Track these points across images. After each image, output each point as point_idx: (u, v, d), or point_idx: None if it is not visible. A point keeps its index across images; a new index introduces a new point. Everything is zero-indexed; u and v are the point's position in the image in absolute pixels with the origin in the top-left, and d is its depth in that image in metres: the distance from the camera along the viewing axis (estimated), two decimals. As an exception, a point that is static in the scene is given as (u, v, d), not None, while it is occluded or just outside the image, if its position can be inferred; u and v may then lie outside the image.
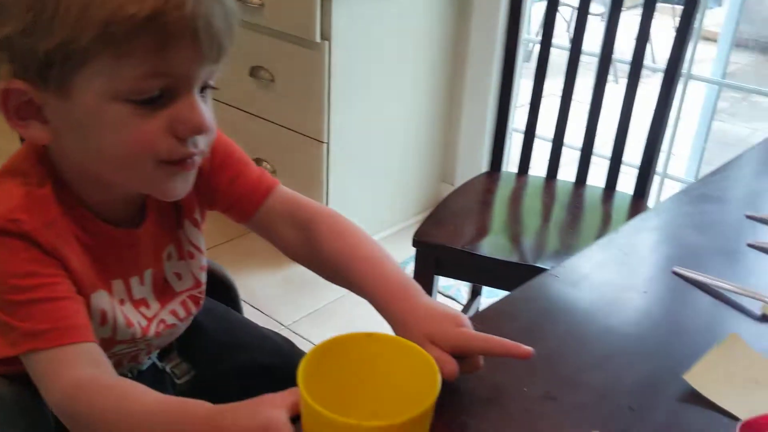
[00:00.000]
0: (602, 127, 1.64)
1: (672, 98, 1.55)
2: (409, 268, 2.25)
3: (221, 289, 0.97)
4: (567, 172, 1.72)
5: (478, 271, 1.46)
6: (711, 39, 2.92)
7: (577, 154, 1.68)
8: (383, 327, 0.54)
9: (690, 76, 2.02)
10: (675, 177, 2.20)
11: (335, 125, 2.11)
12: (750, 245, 0.88)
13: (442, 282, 2.18)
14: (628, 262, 0.83)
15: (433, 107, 2.42)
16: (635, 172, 1.64)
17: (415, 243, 1.44)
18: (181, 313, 0.78)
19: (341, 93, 2.08)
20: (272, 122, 2.21)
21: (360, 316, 2.02)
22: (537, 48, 1.69)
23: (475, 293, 1.84)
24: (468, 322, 0.66)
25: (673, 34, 1.52)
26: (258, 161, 2.28)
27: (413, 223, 2.54)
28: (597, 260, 0.83)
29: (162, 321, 0.76)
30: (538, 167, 1.75)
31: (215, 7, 0.60)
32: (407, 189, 2.49)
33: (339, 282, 0.79)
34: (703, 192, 1.02)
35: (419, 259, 1.46)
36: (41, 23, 0.57)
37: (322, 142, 2.11)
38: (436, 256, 1.44)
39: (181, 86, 0.62)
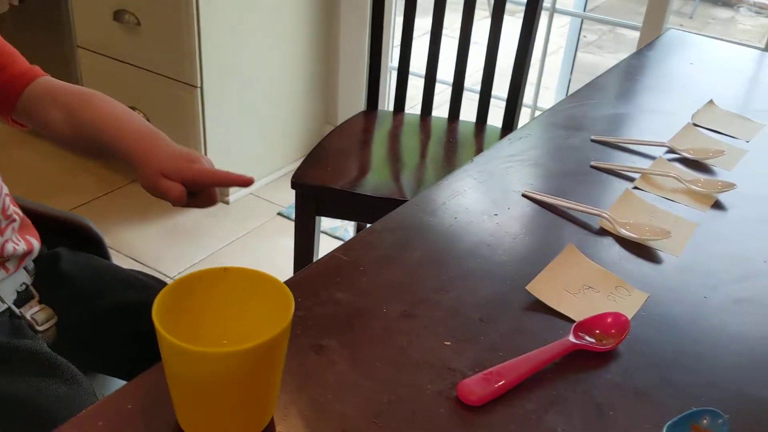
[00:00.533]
0: (475, 62, 1.69)
1: (534, 31, 1.62)
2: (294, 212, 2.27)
3: (90, 243, 0.95)
4: (443, 110, 1.77)
5: (360, 210, 1.49)
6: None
7: (451, 92, 1.73)
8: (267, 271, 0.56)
9: (555, 10, 2.10)
10: (545, 108, 2.30)
11: (208, 69, 2.05)
12: (593, 166, 0.95)
13: (329, 223, 2.21)
14: (482, 189, 0.88)
15: (310, 48, 2.40)
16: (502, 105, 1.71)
17: (293, 185, 1.45)
18: None
19: (212, 35, 2.03)
20: (142, 68, 2.13)
21: (245, 264, 2.00)
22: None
23: (360, 228, 1.89)
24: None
25: None
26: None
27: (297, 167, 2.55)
28: (454, 189, 0.88)
29: None
30: (417, 105, 1.79)
31: None
32: (289, 132, 2.48)
33: (96, 150, 0.84)
34: (554, 120, 1.08)
35: (299, 201, 1.48)
36: None
37: (195, 87, 2.06)
38: (316, 196, 1.46)
39: None
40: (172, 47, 2.03)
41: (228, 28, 2.07)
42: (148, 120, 2.15)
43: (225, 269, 0.56)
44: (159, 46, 2.06)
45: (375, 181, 1.47)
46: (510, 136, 1.02)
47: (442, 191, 0.87)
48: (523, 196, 0.87)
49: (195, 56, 2.01)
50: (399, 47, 1.71)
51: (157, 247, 2.10)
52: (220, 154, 2.21)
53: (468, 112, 1.75)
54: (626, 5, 4.89)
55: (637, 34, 2.01)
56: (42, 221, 0.88)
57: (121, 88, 2.18)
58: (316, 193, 1.45)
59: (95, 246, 0.95)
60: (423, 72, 1.72)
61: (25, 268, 0.83)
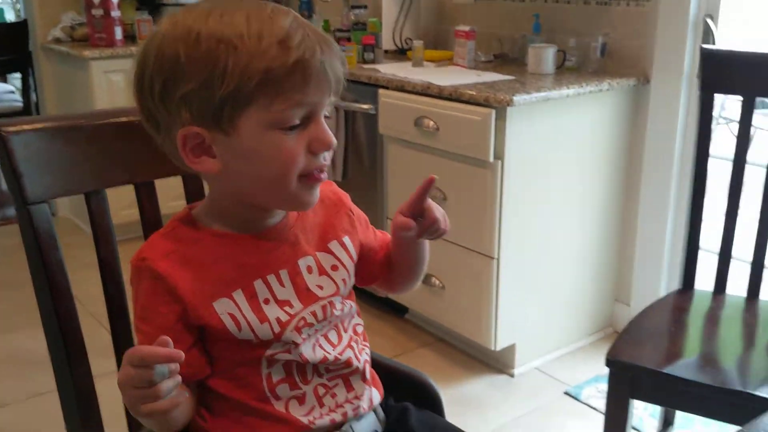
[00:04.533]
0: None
1: None
2: (586, 392, 2.13)
3: (428, 398, 0.96)
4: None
5: (677, 396, 1.35)
6: None
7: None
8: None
9: None
10: None
11: (505, 241, 2.10)
12: None
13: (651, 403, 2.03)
14: None
15: (606, 224, 2.37)
16: None
17: (609, 362, 1.37)
18: (320, 314, 0.87)
19: (512, 209, 2.09)
20: (444, 239, 2.24)
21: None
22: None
23: (667, 422, 1.70)
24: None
25: None
26: (428, 277, 2.32)
27: (586, 344, 2.43)
28: None
29: (302, 319, 0.85)
30: (731, 286, 1.64)
31: (333, 53, 0.79)
32: (579, 307, 2.40)
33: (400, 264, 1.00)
34: None
35: (613, 381, 1.38)
36: (216, 77, 0.74)
37: (492, 258, 2.11)
38: (632, 376, 1.36)
39: (314, 114, 0.79)
40: (474, 221, 2.13)
41: (527, 204, 2.13)
42: (443, 288, 2.26)
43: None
44: (462, 219, 2.17)
45: (696, 366, 1.34)
46: None
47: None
48: None
49: (495, 228, 2.08)
50: (723, 227, 1.61)
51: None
52: (510, 326, 2.20)
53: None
54: None
55: None
56: (390, 374, 0.92)
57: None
58: (632, 372, 1.35)
59: (433, 403, 0.96)
60: (738, 253, 1.58)
61: (375, 413, 0.86)
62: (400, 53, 2.83)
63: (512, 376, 2.26)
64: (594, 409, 2.09)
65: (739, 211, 1.59)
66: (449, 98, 2.13)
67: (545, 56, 2.28)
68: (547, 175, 2.15)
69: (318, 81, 0.77)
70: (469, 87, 2.11)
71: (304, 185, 0.81)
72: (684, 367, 1.32)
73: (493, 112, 2.00)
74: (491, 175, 2.06)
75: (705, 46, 1.57)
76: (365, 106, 2.42)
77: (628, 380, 1.36)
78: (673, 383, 1.30)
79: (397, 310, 2.59)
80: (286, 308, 0.84)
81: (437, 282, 2.29)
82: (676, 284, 2.19)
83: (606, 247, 2.39)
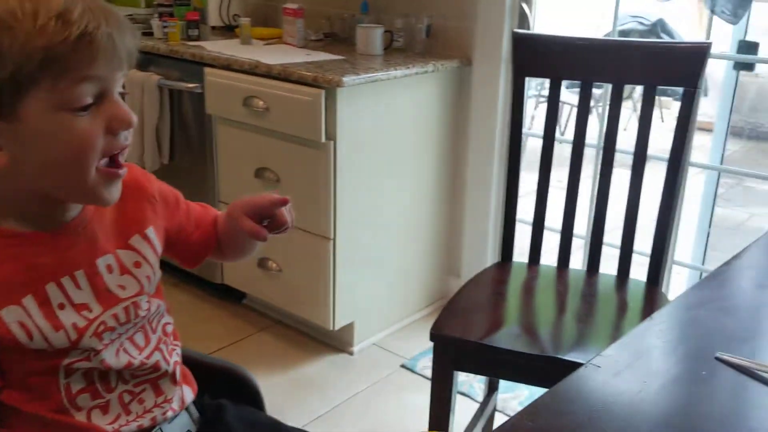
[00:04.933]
0: (608, 216, 1.66)
1: (678, 186, 1.58)
2: (421, 363, 2.21)
3: (246, 393, 0.94)
4: (574, 261, 1.73)
5: (499, 365, 1.42)
6: (702, 129, 3.00)
7: (580, 243, 1.69)
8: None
9: (689, 164, 2.06)
10: (682, 263, 2.20)
11: (341, 221, 2.12)
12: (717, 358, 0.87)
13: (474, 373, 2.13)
14: (669, 349, 0.82)
15: (436, 201, 2.45)
16: (641, 260, 1.64)
17: (432, 337, 1.42)
18: (123, 317, 0.83)
19: (346, 189, 2.11)
20: (278, 221, 2.22)
21: (371, 421, 1.93)
22: (529, 141, 1.73)
23: (491, 389, 1.80)
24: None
25: (660, 124, 1.57)
26: (264, 260, 2.28)
27: (421, 317, 2.52)
28: (637, 349, 0.82)
29: (103, 323, 0.81)
30: (545, 257, 1.75)
31: (121, 25, 0.75)
32: (414, 282, 2.48)
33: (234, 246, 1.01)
34: (726, 277, 1.01)
35: (438, 355, 1.43)
36: None
37: (328, 239, 2.12)
38: (455, 350, 1.42)
39: (107, 91, 0.75)
40: (308, 202, 2.12)
41: (361, 183, 2.15)
42: (279, 271, 2.23)
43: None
44: (296, 201, 2.15)
45: (515, 335, 1.42)
46: (685, 293, 0.95)
47: (624, 351, 0.81)
48: (717, 359, 0.79)
49: (330, 209, 2.09)
50: (521, 199, 1.71)
51: (283, 397, 2.08)
52: (347, 302, 2.22)
53: (603, 265, 1.69)
54: (751, 157, 4.79)
55: (766, 187, 1.93)
56: (205, 370, 0.88)
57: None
58: (455, 346, 1.41)
59: (252, 397, 0.94)
60: (549, 224, 1.70)
61: (188, 412, 0.83)
62: (228, 30, 2.74)
63: (351, 354, 2.30)
64: (428, 379, 2.16)
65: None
66: (278, 78, 2.09)
67: (373, 37, 2.30)
68: (380, 155, 2.18)
69: (106, 55, 0.73)
70: (298, 66, 2.09)
71: (103, 179, 0.76)
72: (503, 338, 1.40)
73: (323, 92, 1.99)
74: (324, 156, 2.05)
75: (516, 30, 1.64)
76: (191, 85, 2.32)
77: (452, 353, 1.42)
78: (494, 353, 1.37)
79: (234, 296, 2.54)
80: (84, 313, 0.79)
81: (274, 265, 2.27)
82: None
83: (437, 223, 2.48)
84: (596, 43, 1.64)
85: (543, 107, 4.28)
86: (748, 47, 1.99)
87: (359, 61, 2.22)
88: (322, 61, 2.20)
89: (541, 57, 1.65)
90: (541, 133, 1.66)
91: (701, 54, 1.51)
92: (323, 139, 2.03)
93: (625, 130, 4.68)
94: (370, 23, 2.39)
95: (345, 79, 1.96)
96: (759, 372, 0.77)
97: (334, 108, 2.01)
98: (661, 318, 0.89)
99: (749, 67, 2.10)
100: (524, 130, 2.29)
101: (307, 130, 2.05)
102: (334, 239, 2.12)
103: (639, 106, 1.63)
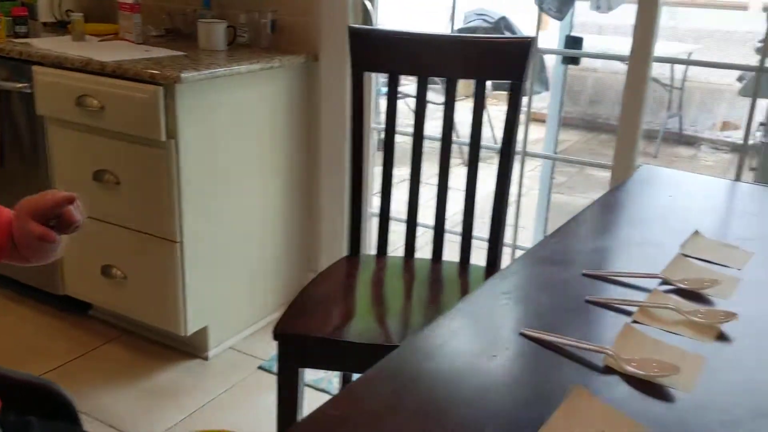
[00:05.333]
0: (455, 205, 1.71)
1: (509, 175, 1.65)
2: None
3: (60, 408, 0.88)
4: (424, 252, 1.77)
5: (346, 359, 1.42)
6: (541, 120, 3.17)
7: (433, 234, 1.73)
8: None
9: (526, 154, 2.17)
10: (525, 247, 2.31)
11: (188, 223, 2.05)
12: (588, 301, 0.92)
13: (312, 375, 2.12)
14: (478, 329, 0.85)
15: (292, 198, 2.42)
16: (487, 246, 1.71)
17: (276, 336, 1.40)
18: None
19: (192, 190, 2.04)
20: (121, 226, 2.12)
21: (227, 425, 1.89)
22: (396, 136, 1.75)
23: (346, 382, 1.80)
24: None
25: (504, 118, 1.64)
26: (107, 268, 2.17)
27: (279, 317, 2.48)
28: (449, 330, 0.84)
29: None
30: (398, 249, 1.78)
31: None
32: (271, 281, 2.44)
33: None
34: (542, 256, 1.07)
35: (282, 353, 1.42)
36: None
37: (175, 242, 2.04)
38: (299, 347, 1.40)
39: None
40: (151, 204, 2.03)
41: (207, 183, 2.09)
42: (125, 278, 2.13)
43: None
44: (139, 203, 2.06)
45: (361, 328, 1.42)
46: (500, 273, 0.99)
47: (435, 334, 0.83)
48: (521, 335, 0.83)
49: (175, 211, 2.01)
50: (379, 194, 1.73)
51: (135, 409, 1.98)
52: (199, 307, 2.15)
53: (447, 253, 1.74)
54: (590, 147, 5.11)
55: (605, 174, 2.07)
56: (11, 386, 0.82)
57: (101, 246, 2.16)
58: (299, 343, 1.40)
59: (65, 411, 0.88)
60: (402, 217, 1.73)
61: None
62: (61, 27, 2.58)
63: (207, 359, 2.23)
64: (286, 379, 2.14)
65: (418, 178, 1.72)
66: (113, 75, 1.99)
67: (216, 32, 2.24)
68: (227, 152, 2.13)
69: None
70: (134, 63, 2.00)
71: None
72: (348, 331, 1.40)
73: (161, 89, 1.92)
74: (166, 156, 1.98)
75: (351, 25, 1.65)
76: (19, 85, 2.16)
77: (296, 350, 1.40)
78: (340, 347, 1.37)
79: (78, 308, 2.39)
80: None
81: (119, 273, 2.16)
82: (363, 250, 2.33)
83: (292, 220, 2.46)
84: (429, 39, 1.68)
85: (399, 103, 4.36)
86: (574, 42, 2.12)
87: (201, 57, 2.15)
88: (161, 57, 2.11)
89: (378, 52, 1.67)
90: (398, 129, 1.68)
91: (525, 48, 1.59)
92: (164, 138, 1.95)
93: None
94: (213, 18, 2.33)
95: (184, 75, 1.90)
96: (559, 344, 0.81)
97: (174, 105, 1.94)
98: (473, 299, 0.92)
99: (575, 61, 2.23)
100: (375, 125, 2.31)
101: (146, 129, 1.96)
102: (182, 242, 2.05)
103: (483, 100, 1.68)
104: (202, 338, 2.23)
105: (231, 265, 2.25)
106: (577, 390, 0.71)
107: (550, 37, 3.14)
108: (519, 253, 2.28)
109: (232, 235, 2.22)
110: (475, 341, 0.82)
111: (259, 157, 2.26)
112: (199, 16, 2.36)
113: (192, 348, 2.25)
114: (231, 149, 2.15)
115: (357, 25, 1.72)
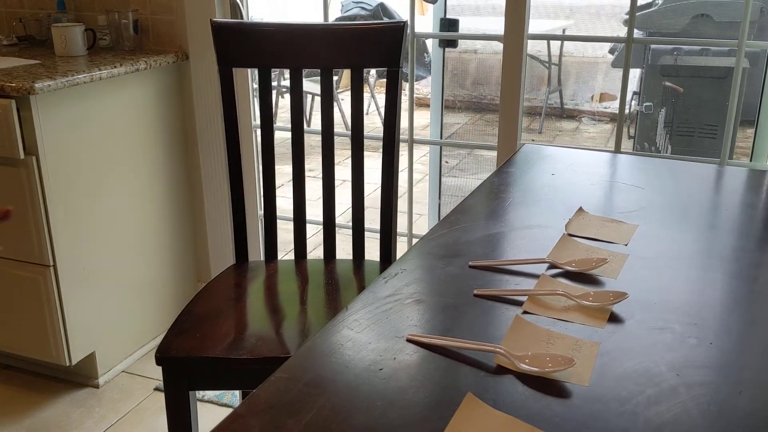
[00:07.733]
0: (341, 198, 1.65)
1: (394, 164, 1.60)
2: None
3: None
4: (319, 252, 1.70)
5: (242, 377, 1.33)
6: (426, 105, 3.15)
7: (323, 232, 1.66)
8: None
9: (414, 141, 2.13)
10: (420, 236, 2.28)
11: (60, 245, 1.89)
12: (477, 295, 0.88)
13: (214, 391, 2.01)
14: (362, 339, 0.79)
15: (174, 207, 2.29)
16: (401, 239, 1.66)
17: (158, 360, 1.29)
18: None
19: (62, 209, 1.88)
20: (-18, 254, 1.93)
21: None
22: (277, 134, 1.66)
23: (246, 394, 1.71)
24: None
25: (405, 106, 1.59)
26: (-27, 301, 1.97)
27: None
28: (333, 341, 0.77)
29: None
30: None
31: None
32: (161, 297, 2.30)
33: None
34: (428, 250, 1.02)
35: (168, 377, 1.31)
36: None
37: (47, 266, 1.88)
38: (186, 370, 1.31)
39: None
40: (16, 227, 1.86)
41: (77, 197, 1.93)
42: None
43: None
44: (1, 228, 1.88)
45: (254, 342, 1.34)
46: (384, 274, 0.94)
47: (315, 353, 0.76)
48: (408, 341, 0.78)
49: (43, 232, 1.85)
50: (262, 196, 1.64)
51: (14, 453, 1.82)
52: (83, 337, 2.00)
53: (343, 249, 1.68)
54: (479, 128, 5.18)
55: (493, 154, 2.06)
56: None
57: (-40, 278, 1.96)
58: (185, 366, 1.30)
59: None
60: (292, 216, 1.65)
61: None
62: None
63: (97, 387, 2.08)
64: (185, 398, 2.03)
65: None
66: (-45, 91, 1.80)
67: (72, 36, 2.07)
68: (96, 165, 1.98)
69: None
70: (-21, 76, 1.81)
71: None
72: (242, 347, 1.31)
73: (13, 102, 1.75)
74: (26, 174, 1.81)
75: (213, 20, 1.55)
76: None
77: (184, 375, 1.31)
78: (233, 366, 1.28)
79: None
80: None
81: (-14, 305, 1.97)
82: (254, 255, 2.23)
83: (177, 231, 2.32)
84: (298, 29, 1.60)
85: (287, 98, 4.25)
86: (450, 24, 2.10)
87: (58, 65, 1.98)
88: (11, 67, 1.93)
89: (245, 46, 1.58)
90: (281, 125, 1.59)
91: (398, 33, 1.54)
92: (22, 155, 1.78)
93: (367, 114, 4.83)
94: (69, 22, 2.16)
95: (37, 85, 1.74)
96: (448, 347, 0.77)
97: (30, 118, 1.77)
98: (356, 306, 0.86)
99: (452, 43, 2.21)
100: (255, 122, 2.21)
101: (0, 147, 1.79)
102: (54, 265, 1.89)
103: (373, 90, 1.62)
104: (90, 365, 2.07)
105: (113, 284, 2.10)
106: (468, 399, 0.67)
107: (429, 21, 3.13)
108: (415, 241, 2.25)
109: (111, 252, 2.07)
110: (359, 352, 0.76)
111: (134, 166, 2.12)
112: (54, 21, 2.18)
113: (80, 377, 2.09)
114: (101, 161, 2.00)
115: (220, 19, 1.62)
